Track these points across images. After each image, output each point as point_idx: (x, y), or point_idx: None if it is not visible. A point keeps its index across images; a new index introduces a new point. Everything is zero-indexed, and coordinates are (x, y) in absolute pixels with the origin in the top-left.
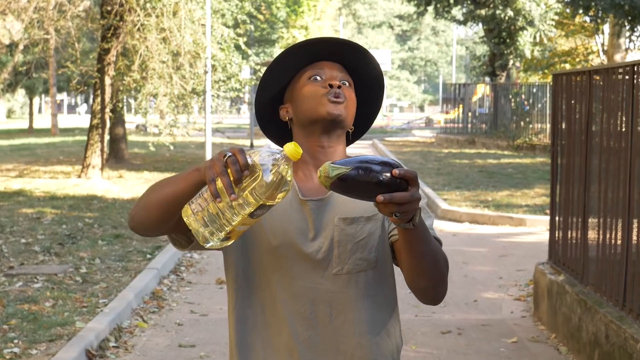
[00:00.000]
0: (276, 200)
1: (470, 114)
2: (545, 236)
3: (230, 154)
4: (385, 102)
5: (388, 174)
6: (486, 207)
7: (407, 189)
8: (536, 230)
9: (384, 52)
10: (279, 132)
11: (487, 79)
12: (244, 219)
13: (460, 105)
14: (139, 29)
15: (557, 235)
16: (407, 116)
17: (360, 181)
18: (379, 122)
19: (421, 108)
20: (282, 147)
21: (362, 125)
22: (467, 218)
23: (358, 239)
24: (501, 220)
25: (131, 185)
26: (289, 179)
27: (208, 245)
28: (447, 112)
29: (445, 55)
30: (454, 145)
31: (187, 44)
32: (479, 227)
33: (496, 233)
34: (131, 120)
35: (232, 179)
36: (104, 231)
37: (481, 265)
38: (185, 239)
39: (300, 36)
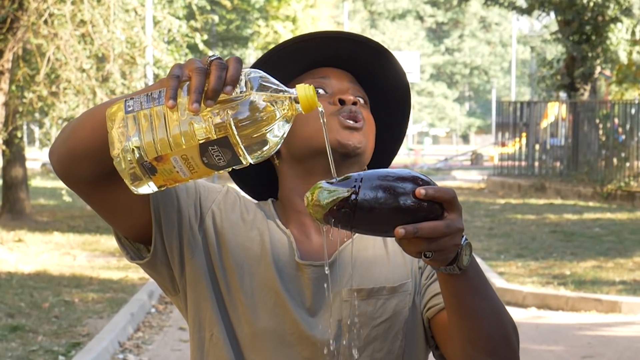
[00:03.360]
0: (240, 153)
1: (537, 146)
2: None
3: (218, 57)
4: (412, 130)
5: (410, 196)
6: (562, 285)
7: (440, 216)
8: (636, 319)
9: (409, 55)
10: (257, 184)
11: (563, 94)
12: (189, 147)
13: (523, 134)
14: (46, 22)
15: None
16: (445, 150)
17: (368, 209)
18: (402, 158)
19: (465, 138)
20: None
21: (379, 161)
22: (533, 301)
23: (378, 321)
24: (584, 304)
25: (35, 252)
26: (274, 137)
27: (127, 177)
28: (503, 145)
29: (501, 60)
30: (513, 192)
31: (119, 44)
32: (551, 315)
33: (577, 323)
34: (35, 157)
35: (208, 87)
36: None
37: None
38: (135, 249)
39: (285, 31)
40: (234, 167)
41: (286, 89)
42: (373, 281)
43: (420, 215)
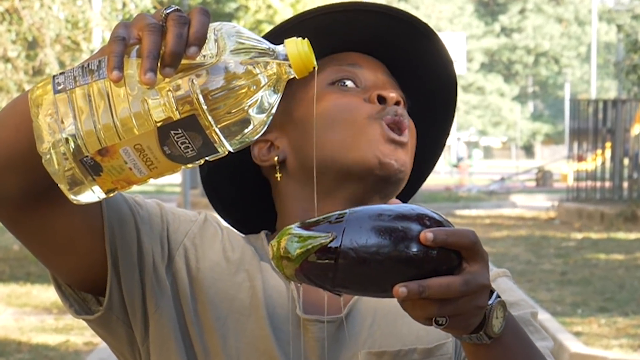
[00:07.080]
0: (213, 138)
1: (627, 161)
2: None
3: (177, 8)
4: (455, 139)
5: (415, 241)
6: None
7: (457, 268)
8: None
9: (453, 37)
10: (240, 207)
11: None
12: (143, 133)
13: (608, 145)
14: None
15: None
16: (501, 166)
17: (356, 260)
18: (442, 178)
19: (528, 150)
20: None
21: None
22: None
23: None
24: None
25: None
26: (259, 113)
27: (55, 171)
28: (580, 159)
29: (577, 44)
30: (594, 223)
31: (56, 23)
32: None
33: None
34: None
35: (165, 50)
36: None
37: None
38: (81, 300)
39: (282, 5)
40: (207, 159)
41: (271, 45)
42: (400, 341)
43: (428, 267)
